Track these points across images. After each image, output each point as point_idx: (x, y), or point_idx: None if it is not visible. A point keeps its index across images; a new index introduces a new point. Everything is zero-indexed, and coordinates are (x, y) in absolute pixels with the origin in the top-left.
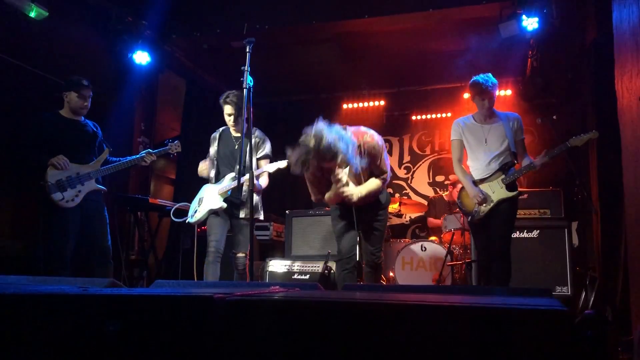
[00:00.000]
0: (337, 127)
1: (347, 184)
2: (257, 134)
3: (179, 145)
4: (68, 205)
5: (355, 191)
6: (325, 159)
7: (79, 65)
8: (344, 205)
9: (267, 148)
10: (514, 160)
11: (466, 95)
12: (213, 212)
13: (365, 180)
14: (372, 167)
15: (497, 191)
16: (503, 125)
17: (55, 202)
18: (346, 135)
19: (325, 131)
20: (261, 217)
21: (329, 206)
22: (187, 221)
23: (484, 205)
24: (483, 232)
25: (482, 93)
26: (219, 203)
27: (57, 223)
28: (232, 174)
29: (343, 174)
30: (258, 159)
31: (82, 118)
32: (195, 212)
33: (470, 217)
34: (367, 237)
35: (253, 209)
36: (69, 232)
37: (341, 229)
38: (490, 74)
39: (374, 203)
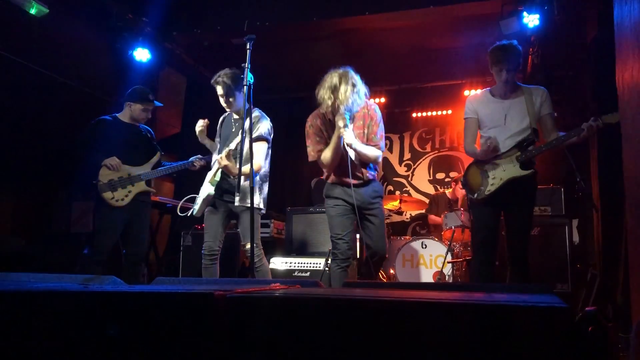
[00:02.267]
0: None
1: (347, 127)
2: (255, 114)
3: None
4: (117, 204)
5: (353, 139)
6: (347, 88)
7: (79, 62)
8: (342, 195)
9: (261, 129)
10: (534, 139)
11: (466, 92)
12: (209, 204)
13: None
14: (368, 132)
15: (508, 169)
16: (525, 100)
17: (105, 200)
18: (364, 93)
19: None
20: (255, 205)
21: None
22: (189, 214)
23: (492, 180)
24: (490, 211)
25: (500, 62)
26: (207, 190)
27: (105, 220)
28: (217, 156)
29: (347, 119)
30: (252, 141)
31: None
32: (197, 204)
33: (475, 195)
34: (366, 228)
35: (252, 198)
36: (115, 231)
37: (338, 224)
38: (515, 40)
39: (368, 189)
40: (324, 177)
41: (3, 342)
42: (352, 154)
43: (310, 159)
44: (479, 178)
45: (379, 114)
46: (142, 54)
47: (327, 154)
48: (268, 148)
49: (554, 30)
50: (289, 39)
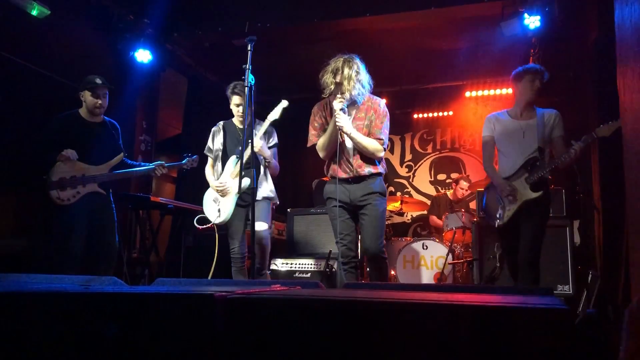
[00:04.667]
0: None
1: (345, 113)
2: (267, 125)
3: (195, 161)
4: (62, 204)
5: (348, 124)
6: (350, 73)
7: (80, 63)
8: (334, 195)
9: (275, 138)
10: (539, 157)
11: (467, 94)
12: (237, 205)
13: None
14: (370, 126)
15: (520, 192)
16: (537, 122)
17: (51, 197)
18: (367, 82)
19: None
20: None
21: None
22: (213, 224)
23: (509, 206)
24: (510, 237)
25: (527, 73)
26: (246, 182)
27: (61, 220)
28: (233, 157)
29: (345, 102)
30: (269, 148)
31: (103, 117)
32: (219, 210)
33: (494, 223)
34: (360, 226)
35: (254, 196)
36: (74, 229)
37: (336, 227)
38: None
39: (360, 185)
40: (324, 169)
41: (3, 343)
42: (349, 144)
43: (309, 144)
44: (495, 204)
45: (384, 110)
46: (143, 55)
47: (322, 139)
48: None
49: (554, 31)
50: (290, 40)
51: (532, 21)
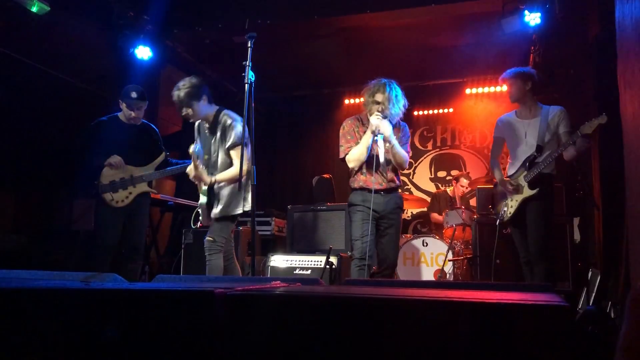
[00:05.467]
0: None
1: (385, 118)
2: (223, 120)
3: None
4: (117, 205)
5: (390, 132)
6: (390, 94)
7: (80, 60)
8: (365, 203)
9: (233, 135)
10: (535, 155)
11: (468, 91)
12: (208, 212)
13: None
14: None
15: (521, 190)
16: (540, 120)
17: (105, 201)
18: (403, 106)
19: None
20: (238, 211)
21: (348, 198)
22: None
23: (511, 204)
24: (518, 232)
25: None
26: (200, 201)
27: (106, 219)
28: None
29: (381, 118)
30: (228, 149)
31: (142, 121)
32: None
33: (497, 221)
34: (381, 237)
35: (254, 206)
36: (116, 229)
37: (358, 228)
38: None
39: (391, 199)
40: (350, 180)
41: (5, 340)
42: (381, 157)
43: (341, 155)
44: (500, 201)
45: (408, 134)
46: (143, 52)
47: (355, 151)
48: (243, 150)
49: (555, 28)
50: (291, 37)
51: (533, 18)
